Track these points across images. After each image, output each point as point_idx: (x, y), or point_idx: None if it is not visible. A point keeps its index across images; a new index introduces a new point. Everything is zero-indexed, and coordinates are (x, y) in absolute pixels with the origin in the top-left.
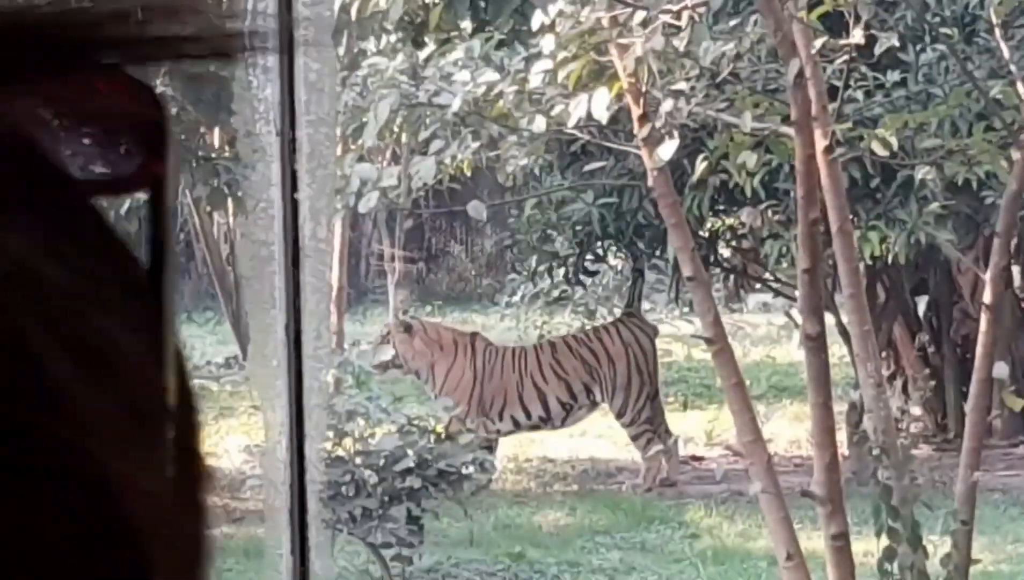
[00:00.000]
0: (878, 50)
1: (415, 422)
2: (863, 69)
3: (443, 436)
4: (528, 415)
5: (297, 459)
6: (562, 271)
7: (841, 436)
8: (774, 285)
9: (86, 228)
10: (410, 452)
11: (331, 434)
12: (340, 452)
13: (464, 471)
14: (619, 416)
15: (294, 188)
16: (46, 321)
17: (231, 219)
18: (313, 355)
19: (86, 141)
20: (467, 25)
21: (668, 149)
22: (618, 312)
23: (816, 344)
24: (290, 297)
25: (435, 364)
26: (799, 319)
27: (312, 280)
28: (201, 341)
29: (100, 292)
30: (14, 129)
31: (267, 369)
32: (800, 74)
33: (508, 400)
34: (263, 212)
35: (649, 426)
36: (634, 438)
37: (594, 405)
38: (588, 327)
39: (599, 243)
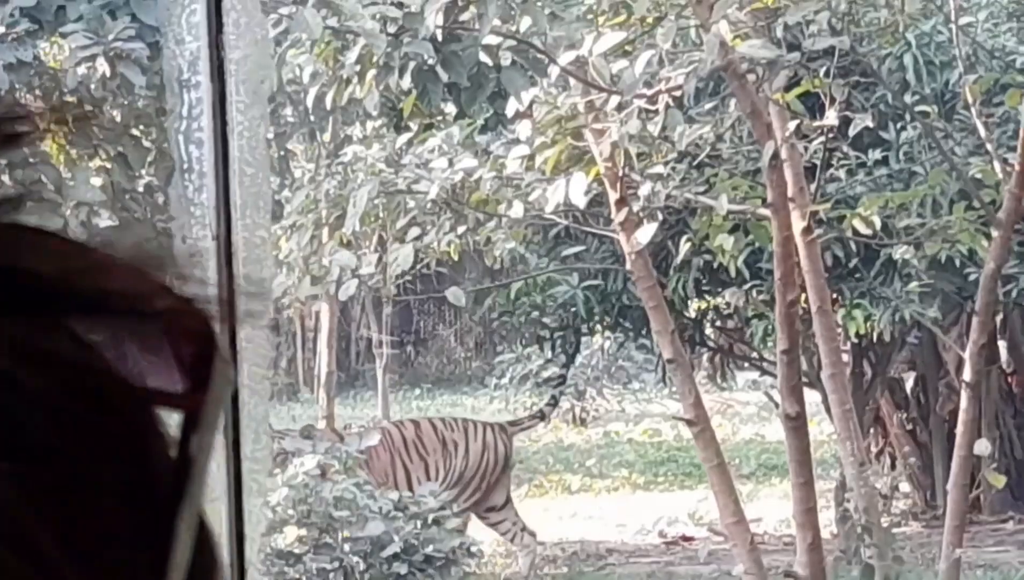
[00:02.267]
0: (852, 131)
1: (401, 507)
2: (845, 148)
3: (429, 521)
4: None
5: (237, 561)
6: (550, 352)
7: (831, 514)
8: (761, 364)
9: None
10: (396, 537)
11: (319, 521)
12: (328, 539)
13: (452, 556)
14: (481, 510)
15: (231, 290)
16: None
17: None
18: (251, 457)
19: (146, 359)
20: (450, 109)
21: (646, 233)
22: (607, 392)
23: (796, 424)
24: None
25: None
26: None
27: (249, 382)
28: None
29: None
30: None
31: None
32: (775, 156)
33: (397, 481)
34: None
35: (516, 520)
36: (504, 533)
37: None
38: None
39: (586, 325)
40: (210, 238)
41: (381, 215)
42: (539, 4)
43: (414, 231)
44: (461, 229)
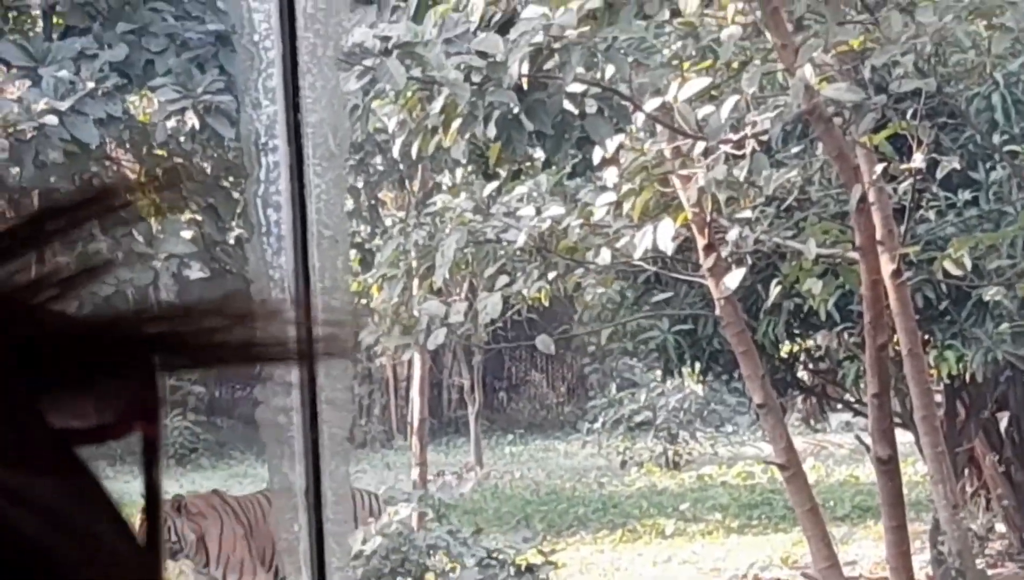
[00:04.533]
0: (940, 172)
1: (494, 555)
2: (934, 189)
3: (523, 569)
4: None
5: None
6: (643, 397)
7: (926, 556)
8: (854, 406)
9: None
10: None
11: (412, 569)
12: None
13: None
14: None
15: (310, 354)
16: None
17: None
18: (333, 519)
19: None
20: (539, 154)
21: (734, 278)
22: (700, 435)
23: (888, 467)
24: (308, 458)
25: (205, 536)
26: (869, 442)
27: (330, 444)
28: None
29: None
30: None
31: (289, 533)
32: (863, 199)
33: (276, 549)
34: (280, 378)
35: None
36: None
37: None
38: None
39: (677, 369)
40: (288, 302)
41: (470, 263)
42: (622, 52)
43: (503, 279)
44: (550, 276)
